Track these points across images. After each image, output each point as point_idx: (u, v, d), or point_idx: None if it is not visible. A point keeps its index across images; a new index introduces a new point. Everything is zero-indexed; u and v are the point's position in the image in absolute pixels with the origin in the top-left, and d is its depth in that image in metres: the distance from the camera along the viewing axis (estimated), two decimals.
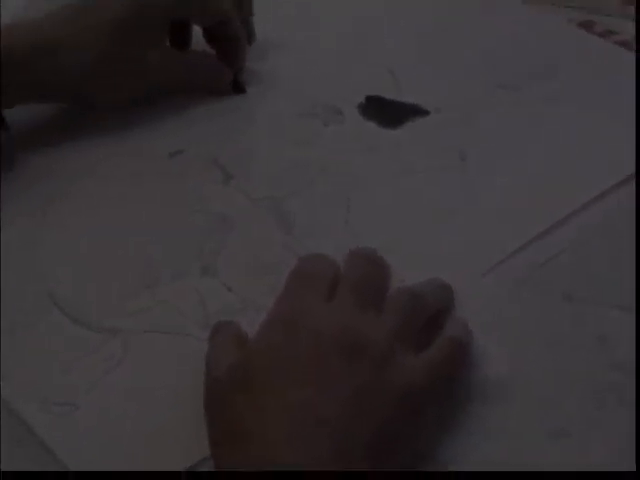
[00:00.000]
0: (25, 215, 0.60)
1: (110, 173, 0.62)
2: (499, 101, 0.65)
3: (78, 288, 0.55)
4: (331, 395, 0.43)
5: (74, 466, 0.46)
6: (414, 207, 0.58)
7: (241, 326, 0.50)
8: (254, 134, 0.66)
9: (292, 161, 0.62)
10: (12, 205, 0.60)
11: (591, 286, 0.52)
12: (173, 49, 0.68)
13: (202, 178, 0.61)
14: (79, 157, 0.64)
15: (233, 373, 0.45)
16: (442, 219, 0.57)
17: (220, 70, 0.68)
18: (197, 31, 0.68)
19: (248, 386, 0.44)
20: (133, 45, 0.63)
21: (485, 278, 0.53)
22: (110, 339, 0.52)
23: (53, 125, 0.66)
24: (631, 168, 0.58)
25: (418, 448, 0.45)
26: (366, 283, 0.49)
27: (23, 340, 0.52)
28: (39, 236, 0.58)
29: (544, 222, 0.56)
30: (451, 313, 0.51)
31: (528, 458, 0.45)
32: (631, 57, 0.66)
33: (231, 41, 0.67)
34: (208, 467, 0.45)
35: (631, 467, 0.44)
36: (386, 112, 0.65)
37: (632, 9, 0.69)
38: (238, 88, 0.68)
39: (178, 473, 0.46)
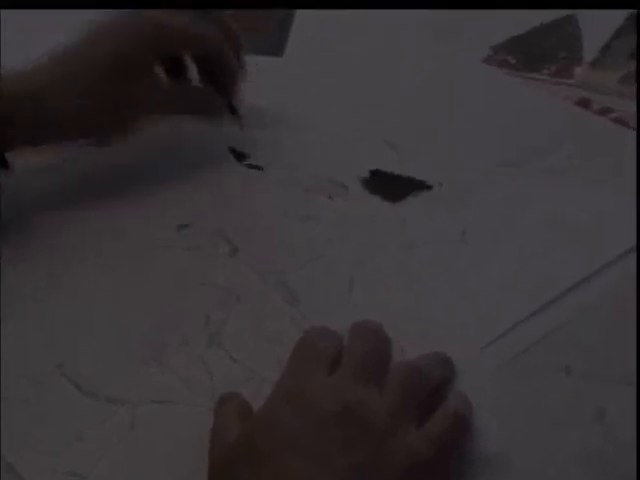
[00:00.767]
0: (33, 286, 0.61)
1: (118, 245, 0.63)
2: (500, 177, 0.66)
3: (86, 359, 0.56)
4: (330, 470, 0.44)
5: None
6: (415, 281, 0.59)
7: (245, 397, 0.51)
8: (260, 207, 0.66)
9: (298, 235, 0.63)
10: (20, 276, 0.61)
11: (590, 360, 0.53)
12: (167, 78, 0.67)
13: (209, 250, 0.63)
14: (84, 231, 0.65)
15: (237, 446, 0.46)
16: (443, 293, 0.58)
17: (213, 96, 0.67)
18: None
19: (251, 458, 0.45)
20: (121, 80, 0.63)
21: (484, 352, 0.54)
22: (118, 409, 0.53)
23: (58, 190, 0.68)
24: (631, 242, 0.59)
25: None
26: (368, 357, 0.50)
27: (34, 410, 0.53)
28: (49, 306, 0.59)
29: (544, 297, 0.56)
30: (452, 385, 0.52)
31: None
32: (630, 134, 0.68)
33: (224, 72, 0.67)
34: None
35: None
36: (390, 186, 0.66)
37: (628, 88, 0.70)
38: (233, 110, 0.68)
39: None
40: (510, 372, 0.53)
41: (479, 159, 0.68)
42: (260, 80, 0.69)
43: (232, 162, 0.69)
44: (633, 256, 0.59)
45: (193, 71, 0.68)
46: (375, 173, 0.67)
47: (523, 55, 0.76)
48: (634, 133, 0.67)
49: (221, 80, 0.67)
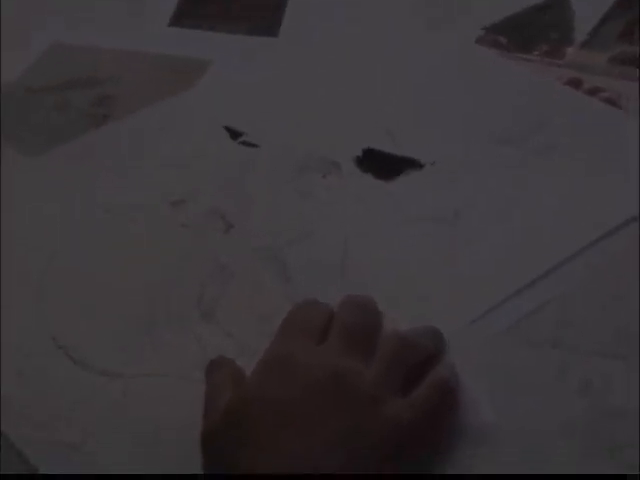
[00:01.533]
0: (30, 259, 0.62)
1: (113, 220, 0.64)
2: (492, 155, 0.66)
3: (80, 332, 0.57)
4: (317, 438, 0.45)
5: None
6: (407, 257, 0.60)
7: (237, 364, 0.52)
8: (254, 184, 0.67)
9: (291, 212, 0.64)
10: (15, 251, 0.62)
11: (577, 334, 0.54)
12: None
13: (204, 227, 0.63)
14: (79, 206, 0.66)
15: (228, 414, 0.47)
16: (434, 269, 0.59)
17: None
18: None
19: (242, 426, 0.46)
20: None
21: (474, 325, 0.55)
22: (112, 382, 0.54)
23: None
24: (614, 223, 0.59)
25: None
26: (357, 327, 0.51)
27: (28, 383, 0.54)
28: (43, 280, 0.61)
29: (533, 272, 0.57)
30: (442, 357, 0.52)
31: None
32: (620, 114, 0.68)
33: None
34: None
35: None
36: (382, 165, 0.67)
37: (617, 68, 0.71)
38: None
39: None
40: (499, 345, 0.53)
41: (471, 138, 0.68)
42: (256, 60, 0.70)
43: (227, 139, 0.70)
44: (619, 234, 0.59)
45: None
46: (368, 152, 0.68)
47: (515, 36, 0.76)
48: (623, 112, 0.68)
49: None
